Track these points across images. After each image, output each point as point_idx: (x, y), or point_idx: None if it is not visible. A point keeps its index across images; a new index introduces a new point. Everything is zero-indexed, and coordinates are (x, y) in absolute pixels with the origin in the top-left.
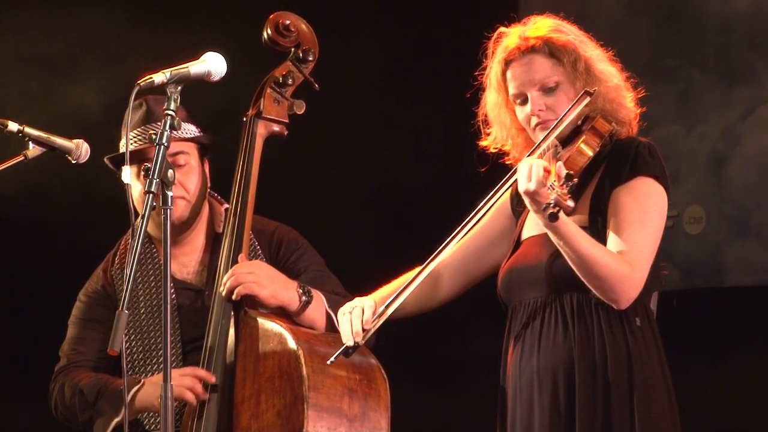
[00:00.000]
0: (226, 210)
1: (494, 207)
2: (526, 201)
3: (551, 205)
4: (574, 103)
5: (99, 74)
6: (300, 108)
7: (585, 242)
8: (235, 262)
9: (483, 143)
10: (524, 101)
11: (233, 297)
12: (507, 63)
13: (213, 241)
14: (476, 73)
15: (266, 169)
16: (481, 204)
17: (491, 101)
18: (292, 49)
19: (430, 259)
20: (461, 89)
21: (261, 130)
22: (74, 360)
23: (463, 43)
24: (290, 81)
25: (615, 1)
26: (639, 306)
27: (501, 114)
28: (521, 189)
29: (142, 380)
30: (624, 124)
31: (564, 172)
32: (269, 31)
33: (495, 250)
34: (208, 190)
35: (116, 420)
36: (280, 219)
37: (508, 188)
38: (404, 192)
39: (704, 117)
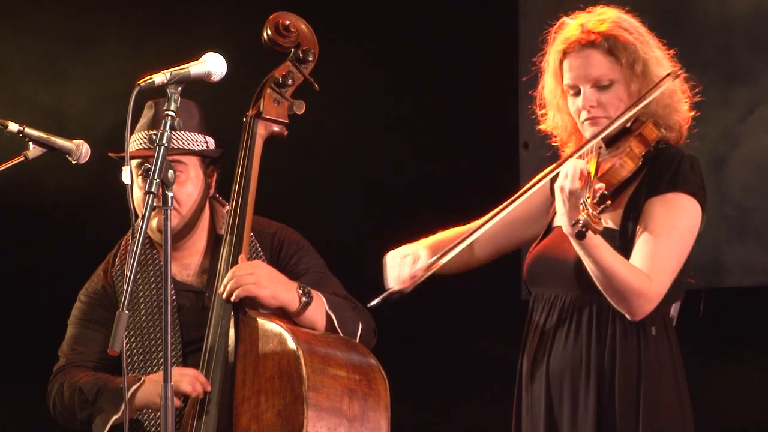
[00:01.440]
0: (228, 212)
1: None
2: (557, 196)
3: (580, 222)
4: (655, 86)
5: (99, 74)
6: (300, 108)
7: (607, 254)
8: (235, 262)
9: (542, 127)
10: (577, 93)
11: (233, 299)
12: (565, 53)
13: (214, 242)
14: (534, 59)
15: (266, 169)
16: (534, 180)
17: (549, 86)
18: (292, 50)
19: (484, 219)
20: (461, 86)
21: (261, 131)
22: (73, 360)
23: (462, 42)
24: (290, 81)
25: (616, 1)
26: (656, 315)
27: (557, 98)
28: (557, 184)
29: (142, 378)
30: (674, 130)
31: (600, 192)
32: (269, 32)
33: (527, 228)
34: (210, 194)
35: (115, 417)
36: (280, 219)
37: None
38: (405, 193)
39: (704, 117)
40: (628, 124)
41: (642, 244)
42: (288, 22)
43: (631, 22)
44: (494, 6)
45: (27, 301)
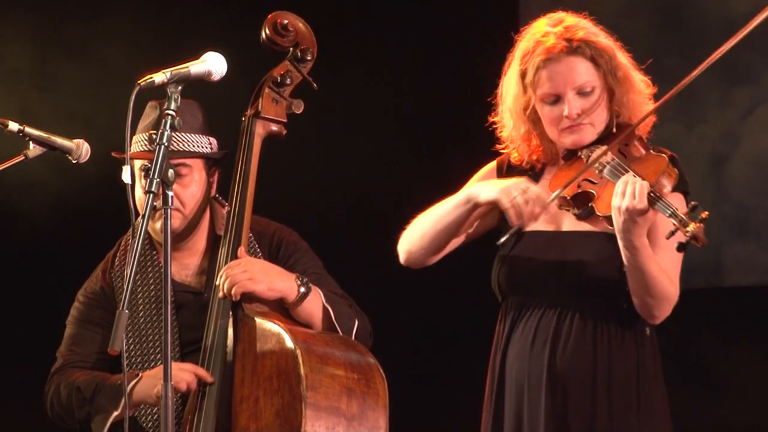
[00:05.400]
0: (227, 212)
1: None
2: (623, 218)
3: (689, 234)
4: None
5: (99, 74)
6: (298, 107)
7: (655, 266)
8: (234, 260)
9: (492, 119)
10: (556, 101)
11: (232, 298)
12: (545, 62)
13: (213, 243)
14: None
15: (265, 169)
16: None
17: (511, 89)
18: (291, 49)
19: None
20: (458, 89)
21: (259, 130)
22: (70, 360)
23: (462, 44)
24: (288, 80)
25: (615, 1)
26: None
27: (517, 105)
28: (625, 206)
29: (140, 374)
30: (626, 107)
31: (693, 204)
32: (267, 31)
33: (482, 221)
34: (212, 194)
35: (115, 414)
36: (277, 219)
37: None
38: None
39: (704, 117)
40: (613, 129)
41: (659, 250)
42: (286, 22)
43: (597, 28)
44: (494, 7)
45: (26, 300)
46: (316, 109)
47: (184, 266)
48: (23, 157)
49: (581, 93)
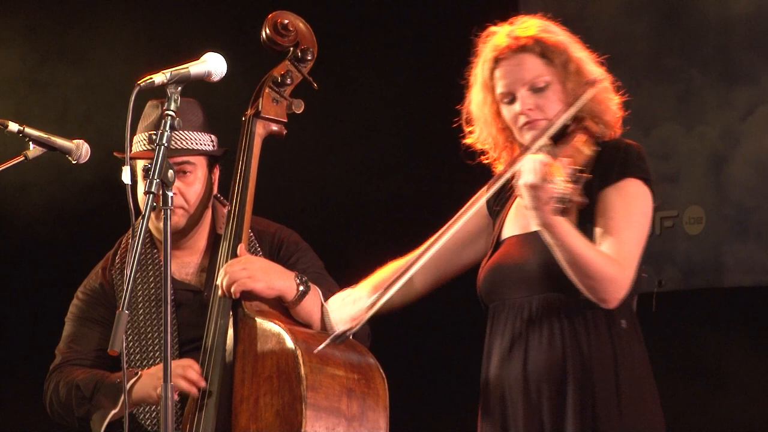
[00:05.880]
0: (228, 212)
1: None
2: (526, 196)
3: (561, 199)
4: (576, 98)
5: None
6: (299, 107)
7: (578, 242)
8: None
9: (467, 141)
10: (512, 100)
11: (232, 296)
12: (496, 61)
13: (214, 242)
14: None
15: (265, 169)
16: (468, 204)
17: (476, 99)
18: (291, 49)
19: (421, 251)
20: (458, 89)
21: (260, 130)
22: (70, 358)
23: (461, 44)
24: (289, 80)
25: (615, 1)
26: (624, 308)
27: (485, 112)
28: (524, 182)
29: (139, 372)
30: (609, 127)
31: (571, 168)
32: (267, 31)
33: (468, 251)
34: (214, 193)
35: (114, 412)
36: (277, 219)
37: (496, 188)
38: (404, 194)
39: (704, 117)
40: (568, 123)
41: (604, 234)
42: (287, 21)
43: (555, 27)
44: (494, 8)
45: (26, 299)
46: (316, 109)
47: (185, 265)
48: (23, 158)
49: (534, 89)
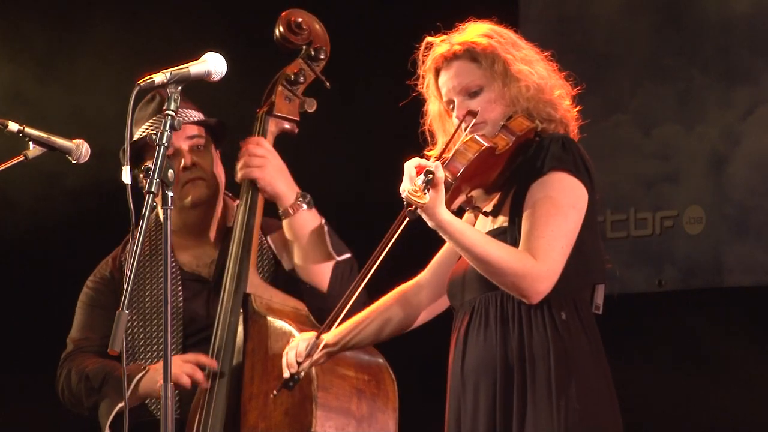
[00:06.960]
0: (238, 205)
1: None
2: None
3: (406, 204)
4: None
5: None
6: (311, 106)
7: (476, 240)
8: (243, 258)
9: (430, 153)
10: (454, 107)
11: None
12: (437, 72)
13: (224, 235)
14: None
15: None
16: (388, 234)
17: (432, 111)
18: (304, 47)
19: (347, 293)
20: None
21: (272, 128)
22: (81, 346)
23: None
24: (302, 79)
25: (615, 1)
26: (566, 300)
27: (442, 123)
28: (401, 189)
29: (147, 367)
30: (552, 122)
31: (425, 169)
32: (281, 29)
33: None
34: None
35: (120, 405)
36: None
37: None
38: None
39: (704, 117)
40: (502, 122)
41: (525, 228)
42: (300, 20)
43: (497, 30)
44: (494, 8)
45: (27, 297)
46: (317, 108)
47: (196, 256)
48: (23, 158)
49: (469, 94)
